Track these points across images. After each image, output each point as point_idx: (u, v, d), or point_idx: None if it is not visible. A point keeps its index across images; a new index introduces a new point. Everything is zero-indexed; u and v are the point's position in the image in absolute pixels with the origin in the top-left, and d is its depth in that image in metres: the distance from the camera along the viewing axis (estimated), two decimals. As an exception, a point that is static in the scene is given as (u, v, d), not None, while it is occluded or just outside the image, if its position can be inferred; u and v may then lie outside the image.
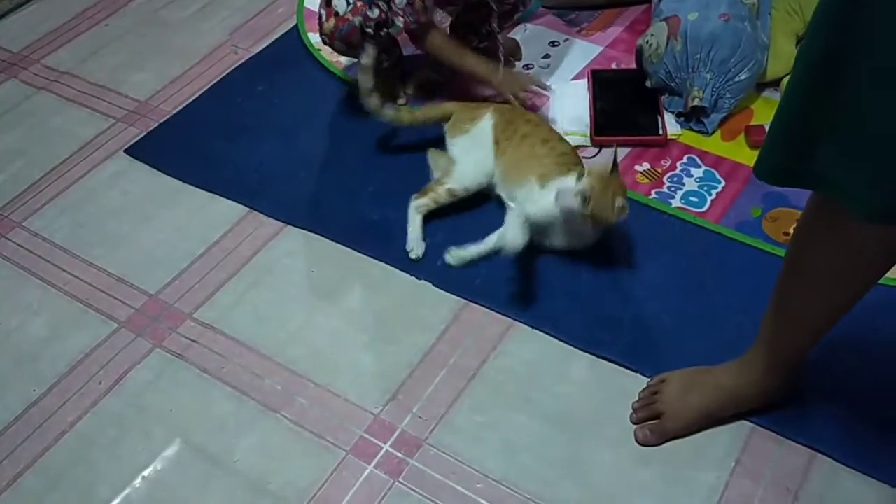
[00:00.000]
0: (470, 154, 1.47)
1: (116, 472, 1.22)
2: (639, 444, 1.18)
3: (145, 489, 1.20)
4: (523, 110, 1.55)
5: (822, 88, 0.79)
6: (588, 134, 1.63)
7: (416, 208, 1.47)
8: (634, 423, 1.20)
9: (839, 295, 0.98)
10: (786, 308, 1.05)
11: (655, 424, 1.18)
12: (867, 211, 0.81)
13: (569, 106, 1.69)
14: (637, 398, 1.22)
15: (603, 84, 1.73)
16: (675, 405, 1.17)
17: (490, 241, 1.35)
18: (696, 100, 1.58)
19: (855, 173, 0.80)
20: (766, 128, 1.56)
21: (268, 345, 1.36)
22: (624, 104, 1.68)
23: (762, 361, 1.12)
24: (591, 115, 1.65)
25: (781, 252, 1.40)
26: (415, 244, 1.45)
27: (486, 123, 1.46)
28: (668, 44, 1.62)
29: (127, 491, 1.19)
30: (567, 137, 1.63)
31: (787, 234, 1.42)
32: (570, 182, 1.30)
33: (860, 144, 0.79)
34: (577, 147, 1.62)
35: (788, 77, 0.88)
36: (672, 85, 1.64)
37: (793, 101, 0.83)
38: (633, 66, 1.73)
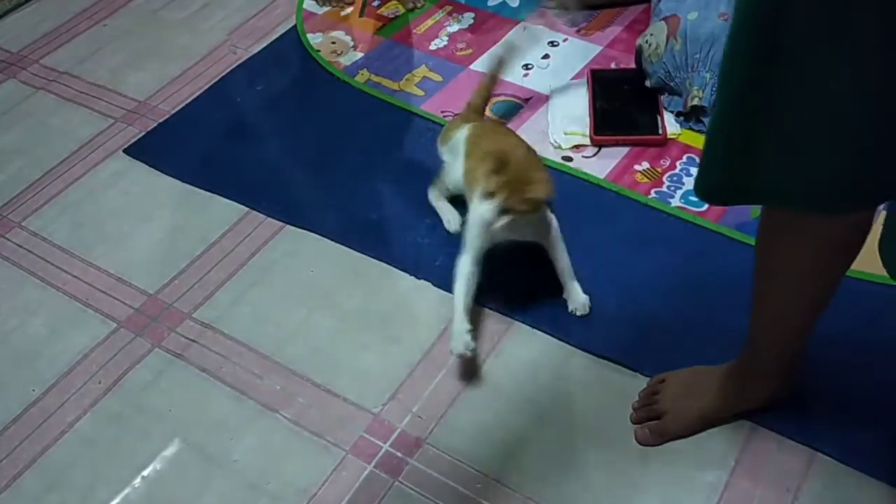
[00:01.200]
0: (452, 162, 1.47)
1: (116, 471, 1.22)
2: (639, 443, 1.18)
3: (145, 489, 1.20)
4: (502, 127, 1.52)
5: (755, 103, 0.80)
6: (587, 134, 1.63)
7: (434, 195, 1.50)
8: (634, 423, 1.20)
9: (810, 291, 1.00)
10: (763, 308, 1.07)
11: (656, 424, 1.18)
12: (824, 204, 0.83)
13: (568, 106, 1.69)
14: (637, 398, 1.22)
15: (602, 84, 1.73)
16: (675, 406, 1.17)
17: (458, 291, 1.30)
18: (696, 99, 1.58)
19: (803, 173, 0.81)
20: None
21: (267, 344, 1.36)
22: (623, 104, 1.68)
23: (756, 361, 1.13)
24: (590, 115, 1.65)
25: (781, 252, 1.40)
26: (450, 216, 1.47)
27: (461, 135, 1.45)
28: (667, 43, 1.62)
29: (126, 491, 1.19)
30: (566, 137, 1.63)
31: (786, 233, 1.42)
32: (484, 206, 1.23)
33: (802, 145, 0.80)
34: (577, 146, 1.62)
35: (715, 96, 0.88)
36: (671, 84, 1.64)
37: (725, 120, 0.84)
38: (633, 65, 1.73)
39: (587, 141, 1.63)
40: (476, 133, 1.43)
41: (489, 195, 1.22)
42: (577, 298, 1.34)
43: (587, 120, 1.65)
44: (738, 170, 0.85)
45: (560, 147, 1.62)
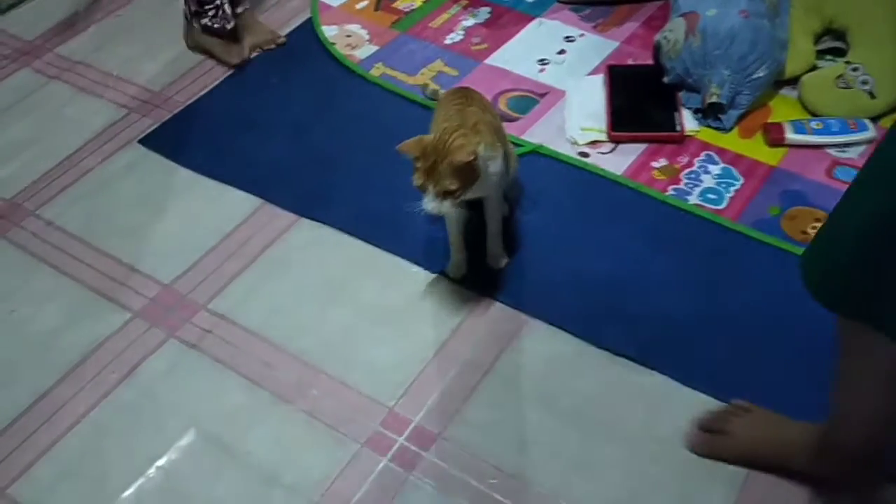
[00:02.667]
0: None
1: (129, 461, 1.22)
2: (687, 446, 1.16)
3: (158, 478, 1.19)
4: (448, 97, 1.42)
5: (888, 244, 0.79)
6: (604, 130, 1.62)
7: None
8: (697, 427, 1.17)
9: (886, 404, 0.97)
10: (837, 400, 1.02)
11: (711, 437, 1.15)
12: None
13: (585, 102, 1.68)
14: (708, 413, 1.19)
15: (620, 80, 1.72)
16: (742, 434, 1.14)
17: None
18: (714, 96, 1.57)
19: None
20: (784, 126, 1.57)
21: (281, 336, 1.35)
22: (641, 100, 1.67)
23: (824, 438, 1.08)
24: (607, 111, 1.65)
25: (799, 250, 1.37)
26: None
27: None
28: (686, 40, 1.61)
29: (140, 480, 1.19)
30: (583, 133, 1.62)
31: (804, 232, 1.41)
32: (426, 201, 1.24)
33: None
34: (594, 142, 1.61)
35: (846, 213, 0.87)
36: (689, 81, 1.63)
37: (858, 248, 0.84)
38: (650, 61, 1.72)
39: (604, 137, 1.62)
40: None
41: (421, 190, 1.22)
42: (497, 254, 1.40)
43: (604, 116, 1.64)
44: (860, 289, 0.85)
45: (577, 143, 1.61)
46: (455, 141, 1.20)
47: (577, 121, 1.65)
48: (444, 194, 1.20)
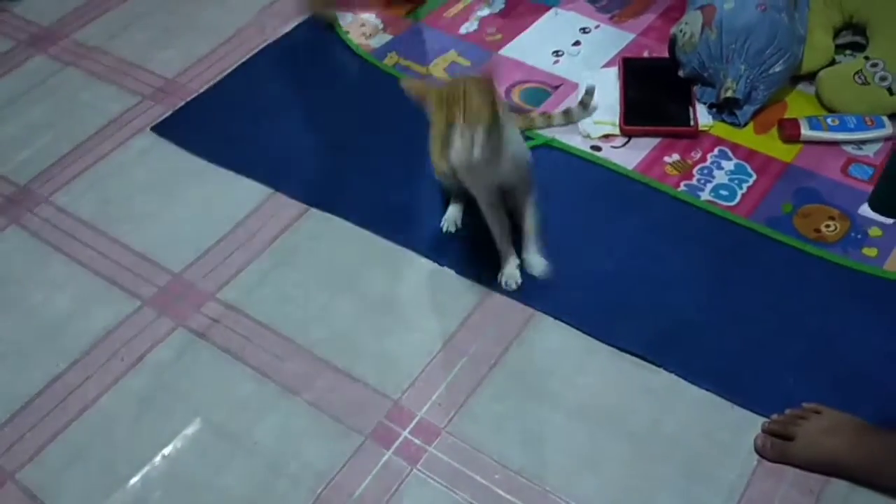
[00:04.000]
0: None
1: (137, 448, 1.23)
2: (756, 450, 1.14)
3: (165, 466, 1.20)
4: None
5: None
6: (617, 123, 1.61)
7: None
8: (763, 431, 1.16)
9: None
10: None
11: (781, 443, 1.13)
12: None
13: (599, 94, 1.67)
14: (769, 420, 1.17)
15: (634, 72, 1.71)
16: (811, 438, 1.11)
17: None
18: (730, 91, 1.55)
19: None
20: (799, 122, 1.56)
21: (289, 327, 1.36)
22: (655, 93, 1.66)
23: None
24: (621, 105, 1.63)
25: (812, 249, 1.37)
26: (449, 213, 1.48)
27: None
28: (702, 33, 1.59)
29: (147, 468, 1.20)
30: (596, 126, 1.61)
31: (817, 230, 1.40)
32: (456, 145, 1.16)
33: None
34: (606, 136, 1.60)
35: None
36: (705, 75, 1.61)
37: None
38: (666, 54, 1.70)
39: (616, 131, 1.60)
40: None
41: (446, 138, 1.14)
42: (534, 262, 1.36)
43: (617, 109, 1.63)
44: None
45: (589, 136, 1.60)
46: (469, 79, 1.15)
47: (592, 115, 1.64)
48: (476, 126, 1.12)
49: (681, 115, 1.60)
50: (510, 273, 1.36)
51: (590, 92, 1.60)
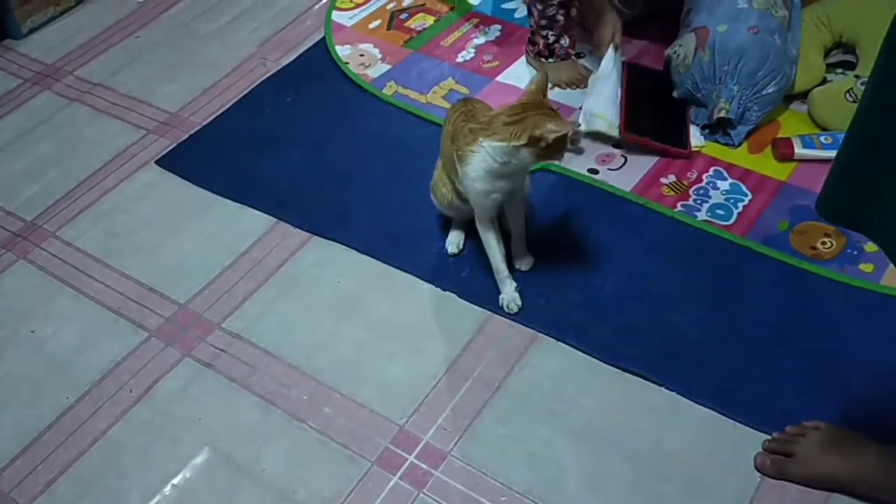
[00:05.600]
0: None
1: (147, 479, 1.24)
2: (756, 468, 1.15)
3: (175, 496, 1.22)
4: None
5: (874, 145, 0.83)
6: (614, 122, 1.62)
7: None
8: (764, 449, 1.17)
9: None
10: None
11: (781, 460, 1.14)
12: None
13: (601, 87, 1.67)
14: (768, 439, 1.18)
15: (637, 80, 1.72)
16: (809, 454, 1.12)
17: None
18: (723, 111, 1.57)
19: None
20: (793, 140, 1.58)
21: (295, 354, 1.38)
22: (655, 106, 1.68)
23: None
24: (622, 108, 1.64)
25: (808, 266, 1.39)
26: (452, 237, 1.52)
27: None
28: (695, 55, 1.62)
29: (157, 498, 1.21)
30: (593, 119, 1.63)
31: (813, 248, 1.41)
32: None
33: None
34: (601, 133, 1.62)
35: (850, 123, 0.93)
36: (698, 96, 1.64)
37: (849, 151, 0.89)
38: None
39: (612, 131, 1.62)
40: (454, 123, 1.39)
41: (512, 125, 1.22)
42: (523, 258, 1.44)
43: (614, 102, 1.64)
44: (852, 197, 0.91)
45: (582, 128, 1.64)
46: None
47: (590, 104, 1.65)
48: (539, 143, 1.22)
49: (676, 136, 1.63)
50: (510, 296, 1.38)
51: (579, 134, 1.65)
